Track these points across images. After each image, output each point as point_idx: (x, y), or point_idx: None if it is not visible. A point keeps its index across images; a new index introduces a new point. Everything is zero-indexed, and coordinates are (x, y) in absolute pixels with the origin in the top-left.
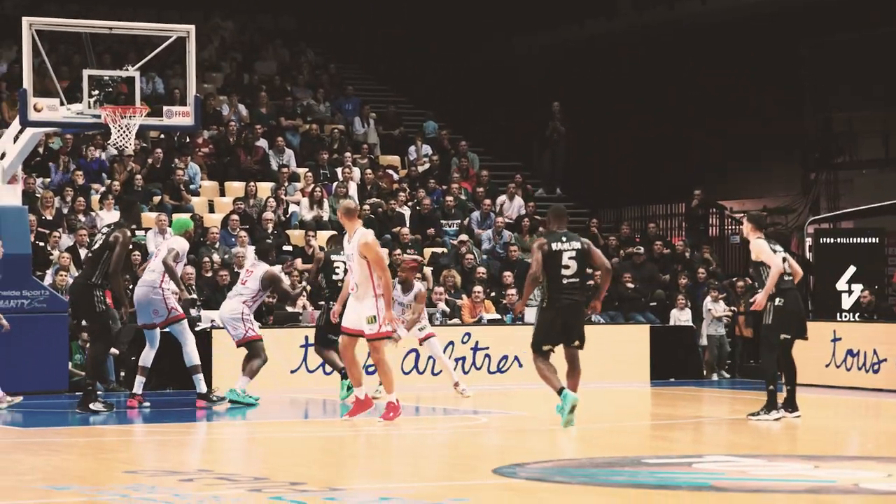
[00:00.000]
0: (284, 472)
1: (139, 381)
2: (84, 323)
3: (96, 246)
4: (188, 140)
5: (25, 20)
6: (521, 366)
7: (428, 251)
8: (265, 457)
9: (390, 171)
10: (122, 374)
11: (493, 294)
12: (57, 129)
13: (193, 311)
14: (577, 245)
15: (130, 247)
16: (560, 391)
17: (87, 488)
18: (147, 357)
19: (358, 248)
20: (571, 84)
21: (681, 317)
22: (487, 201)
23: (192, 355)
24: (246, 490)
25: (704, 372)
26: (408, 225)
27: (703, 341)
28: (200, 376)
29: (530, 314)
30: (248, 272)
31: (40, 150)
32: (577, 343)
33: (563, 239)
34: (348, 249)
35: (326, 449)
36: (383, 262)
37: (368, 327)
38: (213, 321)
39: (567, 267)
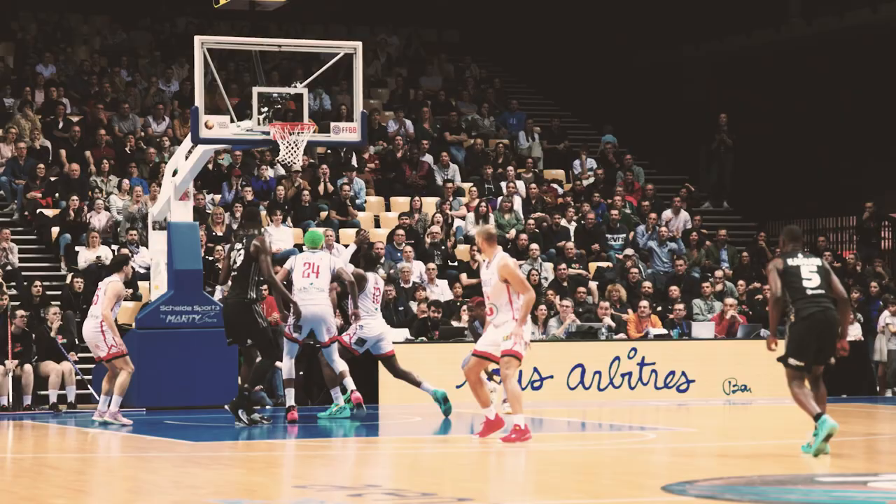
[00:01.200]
0: (451, 488)
1: (291, 393)
2: (249, 342)
3: (240, 262)
4: (354, 156)
5: (197, 39)
6: (688, 381)
7: (593, 265)
8: (431, 472)
9: (555, 186)
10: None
11: (659, 308)
12: (227, 146)
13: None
14: (818, 262)
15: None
16: (817, 417)
17: (257, 502)
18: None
19: (498, 272)
20: (738, 95)
21: (852, 332)
22: (653, 215)
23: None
24: None
25: (878, 388)
26: (572, 239)
27: (877, 356)
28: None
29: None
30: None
31: (210, 166)
32: (830, 360)
33: (801, 255)
34: (486, 275)
35: (491, 464)
36: (525, 282)
37: (504, 343)
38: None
39: (809, 279)
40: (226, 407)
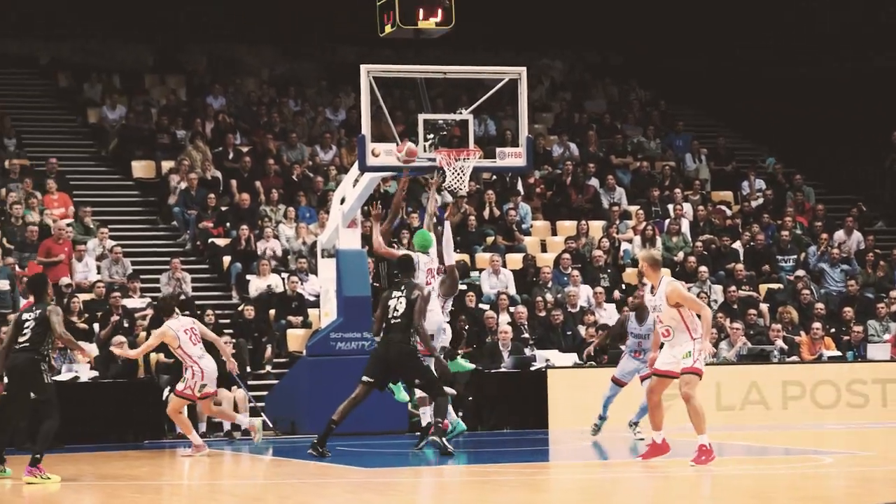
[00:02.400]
0: None
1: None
2: (417, 382)
3: (402, 310)
4: (520, 180)
5: (363, 68)
6: (864, 404)
7: (763, 287)
8: (603, 497)
9: (723, 207)
10: (461, 413)
11: (832, 330)
12: (394, 173)
13: (527, 351)
14: None
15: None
16: None
17: None
18: None
19: (668, 298)
20: None
21: None
22: (824, 235)
23: None
24: None
25: None
26: (742, 261)
27: None
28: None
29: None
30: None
31: (376, 194)
32: None
33: None
34: (654, 300)
35: (663, 489)
36: (697, 300)
37: (683, 361)
38: (547, 360)
39: None
40: (431, 439)
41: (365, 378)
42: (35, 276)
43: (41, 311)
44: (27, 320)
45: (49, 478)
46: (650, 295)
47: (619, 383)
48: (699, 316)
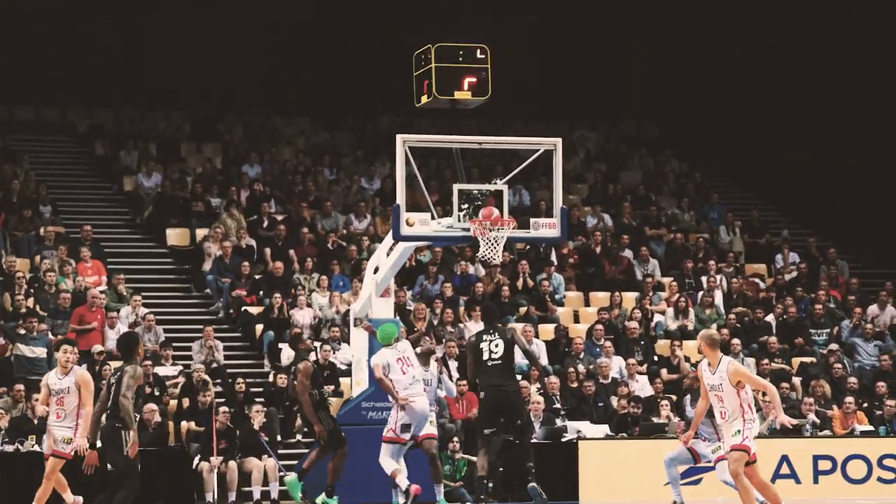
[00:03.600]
0: None
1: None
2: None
3: (501, 353)
4: (554, 251)
5: (399, 137)
6: None
7: (796, 361)
8: None
9: (756, 280)
10: (491, 484)
11: (865, 405)
12: (428, 242)
13: (559, 421)
14: None
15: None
16: None
17: None
18: None
19: (730, 377)
20: None
21: None
22: (858, 309)
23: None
24: None
25: None
26: (775, 334)
27: None
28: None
29: None
30: None
31: (408, 263)
32: None
33: None
34: (713, 380)
35: None
36: (760, 378)
37: (732, 438)
38: (578, 432)
39: None
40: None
41: (487, 431)
42: (126, 334)
43: (121, 373)
44: (112, 384)
45: None
46: (710, 374)
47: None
48: (763, 394)
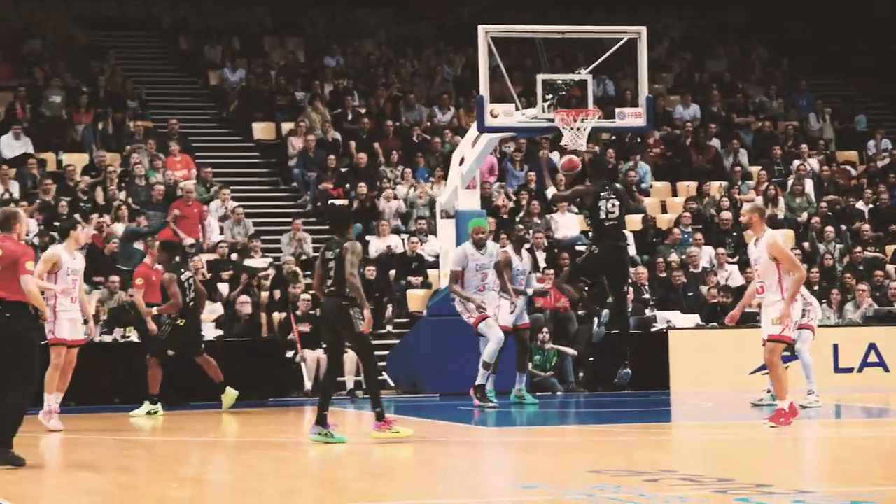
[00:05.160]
0: (748, 474)
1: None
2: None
3: (616, 210)
4: (639, 141)
5: (481, 28)
6: None
7: (889, 248)
8: (726, 458)
9: (847, 167)
10: (581, 374)
11: None
12: (512, 133)
13: (648, 311)
14: None
15: None
16: None
17: (553, 487)
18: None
19: (767, 250)
20: None
21: None
22: None
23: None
24: (710, 491)
25: None
26: (867, 221)
27: None
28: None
29: None
30: None
31: (494, 153)
32: None
33: None
34: (755, 252)
35: (787, 451)
36: (795, 260)
37: (772, 328)
38: (668, 321)
39: None
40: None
41: (585, 279)
42: (337, 209)
43: (340, 250)
44: (329, 259)
45: (398, 431)
46: (753, 246)
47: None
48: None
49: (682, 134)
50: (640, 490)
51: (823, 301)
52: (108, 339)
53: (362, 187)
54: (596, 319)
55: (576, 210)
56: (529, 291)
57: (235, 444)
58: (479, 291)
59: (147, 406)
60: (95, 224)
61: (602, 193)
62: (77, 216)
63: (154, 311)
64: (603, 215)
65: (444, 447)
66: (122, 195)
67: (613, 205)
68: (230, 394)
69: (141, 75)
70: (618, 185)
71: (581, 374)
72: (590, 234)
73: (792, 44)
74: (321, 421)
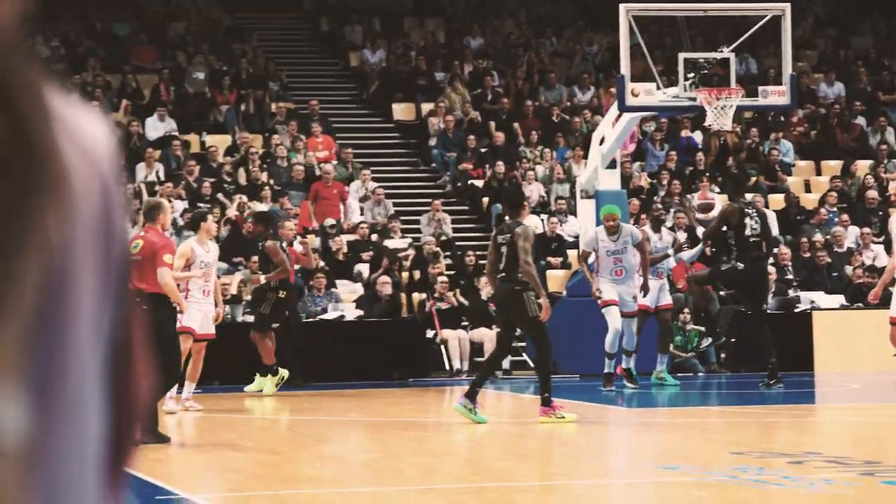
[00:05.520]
0: None
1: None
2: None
3: (759, 227)
4: (782, 119)
5: (622, 6)
6: None
7: None
8: (873, 440)
9: None
10: (723, 355)
11: None
12: (653, 113)
13: (791, 292)
14: None
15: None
16: None
17: (695, 468)
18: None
19: None
20: None
21: None
22: None
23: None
24: (857, 474)
25: None
26: None
27: None
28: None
29: None
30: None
31: (639, 135)
32: None
33: None
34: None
35: None
36: None
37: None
38: (812, 302)
39: None
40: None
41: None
42: (511, 187)
43: (511, 235)
44: (501, 244)
45: (563, 416)
46: (893, 222)
47: None
48: None
49: (827, 113)
50: (784, 472)
51: None
52: (250, 318)
53: (500, 166)
54: (703, 340)
55: (717, 189)
56: (674, 259)
57: (376, 424)
58: (615, 276)
59: (269, 379)
60: (238, 204)
61: (747, 210)
62: (221, 196)
63: (262, 278)
64: (748, 231)
65: (582, 427)
66: (264, 176)
67: (756, 221)
68: (280, 373)
69: (282, 57)
70: (757, 206)
71: (723, 355)
72: (733, 252)
73: None
74: (471, 396)
